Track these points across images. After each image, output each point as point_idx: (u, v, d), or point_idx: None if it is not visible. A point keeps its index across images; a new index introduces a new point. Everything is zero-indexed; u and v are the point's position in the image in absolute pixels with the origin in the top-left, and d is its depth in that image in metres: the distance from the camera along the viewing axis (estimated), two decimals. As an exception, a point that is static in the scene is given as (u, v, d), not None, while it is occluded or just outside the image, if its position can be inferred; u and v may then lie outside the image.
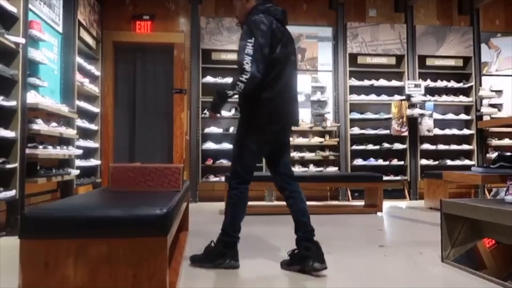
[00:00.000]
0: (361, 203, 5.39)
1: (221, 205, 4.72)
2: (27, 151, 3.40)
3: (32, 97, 3.54)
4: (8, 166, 3.14)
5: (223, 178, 5.25)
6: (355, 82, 6.13)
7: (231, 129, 5.89)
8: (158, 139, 5.95)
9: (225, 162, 5.78)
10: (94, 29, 5.38)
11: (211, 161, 5.80)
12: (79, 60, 4.77)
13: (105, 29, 5.78)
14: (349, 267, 2.42)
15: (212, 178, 5.76)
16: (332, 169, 5.94)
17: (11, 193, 3.17)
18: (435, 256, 2.54)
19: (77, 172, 4.52)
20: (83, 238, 1.38)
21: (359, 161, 6.02)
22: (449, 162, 6.09)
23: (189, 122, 5.83)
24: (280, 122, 2.35)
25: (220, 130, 5.90)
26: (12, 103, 3.17)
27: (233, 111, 5.95)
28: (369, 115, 6.12)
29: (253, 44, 2.13)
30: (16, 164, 3.22)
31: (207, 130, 5.86)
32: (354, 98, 6.09)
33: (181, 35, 5.98)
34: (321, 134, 6.04)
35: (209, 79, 5.88)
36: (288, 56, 2.34)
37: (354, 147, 6.03)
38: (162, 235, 1.42)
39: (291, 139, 5.75)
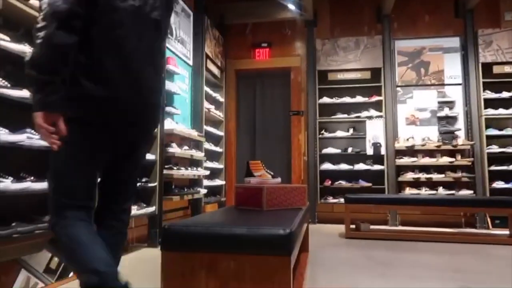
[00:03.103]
0: (504, 232, 4.68)
1: (341, 227, 4.61)
2: (164, 171, 3.83)
3: (168, 124, 4.00)
4: (150, 185, 3.59)
5: (342, 200, 5.12)
6: (490, 94, 5.46)
7: (350, 149, 5.76)
8: (277, 160, 6.12)
9: (344, 183, 5.64)
10: (219, 59, 5.88)
11: (330, 182, 5.72)
12: (206, 88, 5.24)
13: (228, 58, 6.27)
14: (493, 306, 2.10)
15: (331, 199, 5.67)
16: (465, 192, 5.32)
17: (152, 209, 3.59)
18: None
19: (205, 191, 4.91)
20: (214, 253, 1.48)
21: (499, 184, 5.27)
22: None
23: (307, 143, 5.87)
24: None
25: (338, 151, 5.81)
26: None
27: (351, 130, 5.82)
28: (510, 131, 5.35)
29: None
30: (156, 183, 3.65)
31: (324, 150, 5.83)
32: (491, 112, 5.41)
33: (298, 59, 6.14)
34: (451, 153, 5.49)
35: (325, 99, 5.88)
36: None
37: (493, 167, 5.31)
38: (286, 255, 1.44)
39: (402, 159, 5.40)
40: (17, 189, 2.12)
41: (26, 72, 1.37)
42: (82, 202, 1.46)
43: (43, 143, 2.32)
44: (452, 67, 5.68)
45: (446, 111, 5.59)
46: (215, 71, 5.74)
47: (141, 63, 1.50)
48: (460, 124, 5.58)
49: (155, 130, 1.72)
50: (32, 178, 2.27)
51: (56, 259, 2.50)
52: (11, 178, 2.12)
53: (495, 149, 5.35)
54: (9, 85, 2.18)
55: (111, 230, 1.55)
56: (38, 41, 1.32)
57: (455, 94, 5.64)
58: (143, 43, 1.51)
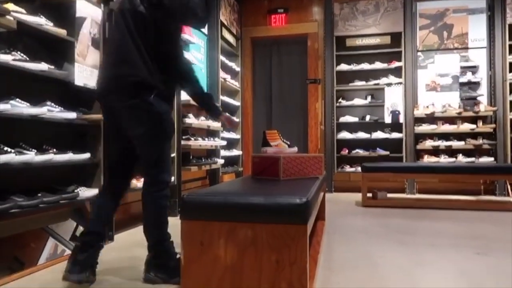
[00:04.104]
0: (525, 199, 4.63)
1: (358, 196, 4.63)
2: (182, 142, 3.87)
3: (185, 94, 4.00)
4: (168, 155, 3.63)
5: (359, 169, 5.12)
6: (517, 58, 5.24)
7: (368, 118, 5.68)
8: (293, 129, 6.10)
9: (361, 152, 5.62)
10: (234, 27, 5.77)
11: (347, 151, 5.69)
12: (222, 58, 5.18)
13: (244, 26, 6.15)
14: (510, 274, 2.10)
15: (348, 169, 5.66)
16: (486, 160, 5.23)
17: (171, 179, 3.66)
18: None
19: (222, 161, 4.96)
20: (232, 222, 1.51)
21: (522, 151, 5.16)
22: None
23: (324, 111, 5.81)
24: None
25: (355, 119, 5.74)
26: (170, 100, 3.64)
27: (369, 98, 5.72)
28: (537, 96, 5.17)
29: None
30: (174, 154, 3.70)
31: (342, 119, 5.77)
32: (516, 76, 5.22)
33: (315, 25, 5.98)
34: (473, 120, 5.36)
35: (343, 66, 5.76)
36: None
37: (516, 134, 5.18)
38: (302, 223, 1.46)
39: (421, 126, 5.29)
40: (41, 161, 2.19)
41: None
42: None
43: (64, 115, 2.37)
44: (476, 29, 5.44)
45: (468, 76, 5.41)
46: (231, 39, 5.66)
47: None
48: (483, 89, 5.40)
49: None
50: (54, 150, 2.33)
51: (81, 227, 2.60)
52: (34, 151, 2.19)
53: (519, 115, 5.20)
54: (28, 59, 2.21)
55: None
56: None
57: (479, 58, 5.43)
58: None
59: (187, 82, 2.16)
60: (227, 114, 2.35)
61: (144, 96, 1.87)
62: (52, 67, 2.38)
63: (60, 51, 2.53)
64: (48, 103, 2.31)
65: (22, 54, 2.20)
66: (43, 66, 2.24)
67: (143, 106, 1.88)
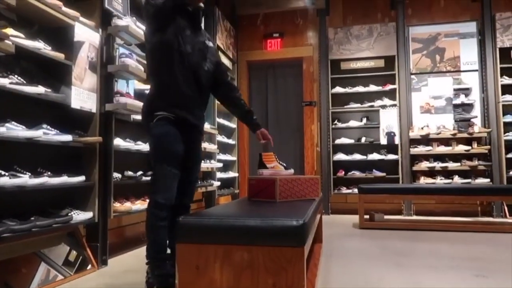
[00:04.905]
0: (522, 220, 4.62)
1: (355, 218, 4.60)
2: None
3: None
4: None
5: (355, 190, 5.10)
6: (508, 80, 5.33)
7: (363, 139, 5.71)
8: (290, 151, 6.12)
9: (357, 174, 5.62)
10: (230, 51, 5.86)
11: (343, 172, 5.69)
12: (218, 81, 5.22)
13: (240, 50, 6.25)
14: (511, 295, 2.08)
15: (344, 190, 5.64)
16: (482, 181, 5.23)
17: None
18: None
19: (218, 183, 4.94)
20: (228, 244, 1.49)
21: (517, 172, 5.18)
22: None
23: (320, 133, 5.84)
24: None
25: (351, 141, 5.77)
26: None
27: (364, 120, 5.77)
28: (529, 118, 5.24)
29: None
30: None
31: (337, 141, 5.79)
32: (508, 98, 5.29)
33: (310, 49, 6.08)
34: (467, 141, 5.39)
35: (338, 89, 5.83)
36: None
37: (511, 155, 5.21)
38: (299, 246, 1.44)
39: (417, 148, 5.34)
40: (35, 184, 2.17)
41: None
42: None
43: (60, 138, 2.36)
44: (468, 53, 5.55)
45: (462, 99, 5.49)
46: (227, 63, 5.73)
47: None
48: (477, 111, 5.47)
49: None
50: (48, 173, 2.31)
51: (74, 252, 2.56)
52: (29, 174, 2.17)
53: (513, 136, 5.25)
54: (24, 82, 2.22)
55: None
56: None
57: (471, 80, 5.52)
58: None
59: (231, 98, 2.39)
60: (263, 129, 2.48)
61: (146, 120, 2.09)
62: (49, 90, 2.39)
63: (57, 75, 2.55)
64: (44, 126, 2.31)
65: (19, 78, 2.21)
66: (39, 90, 2.25)
67: (147, 130, 2.09)
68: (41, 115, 2.46)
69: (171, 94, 2.04)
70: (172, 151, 2.01)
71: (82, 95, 2.58)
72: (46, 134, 2.28)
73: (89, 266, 2.63)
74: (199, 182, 4.38)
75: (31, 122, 2.27)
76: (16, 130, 2.10)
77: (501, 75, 5.32)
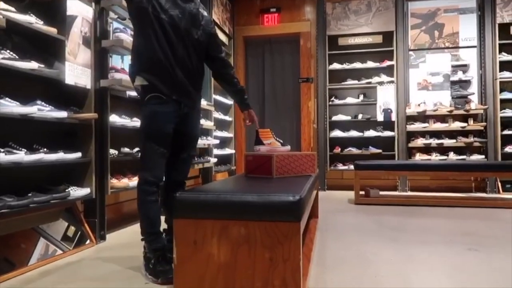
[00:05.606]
0: (515, 196, 4.69)
1: (351, 193, 4.65)
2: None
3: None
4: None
5: (351, 167, 5.14)
6: (507, 57, 5.29)
7: (360, 116, 5.71)
8: (286, 128, 6.11)
9: (353, 150, 5.64)
10: (227, 26, 5.76)
11: (339, 149, 5.71)
12: (214, 57, 5.15)
13: (236, 25, 6.14)
14: (501, 269, 2.13)
15: (341, 167, 5.68)
16: (477, 157, 5.28)
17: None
18: None
19: (215, 160, 4.95)
20: (225, 220, 1.51)
21: (512, 148, 5.22)
22: None
23: (316, 110, 5.83)
24: None
25: (348, 118, 5.77)
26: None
27: (361, 97, 5.74)
28: (526, 94, 5.24)
29: None
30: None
31: (334, 118, 5.79)
32: (506, 75, 5.27)
33: (307, 24, 5.99)
34: (464, 118, 5.41)
35: (335, 66, 5.78)
36: None
37: (506, 131, 5.24)
38: (295, 221, 1.46)
39: (413, 125, 5.36)
40: (31, 161, 2.17)
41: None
42: None
43: (55, 115, 2.34)
44: (467, 28, 5.49)
45: (459, 75, 5.46)
46: (223, 38, 5.64)
47: None
48: (474, 88, 5.46)
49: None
50: (45, 149, 2.31)
51: (72, 227, 2.58)
52: (24, 150, 2.16)
53: (509, 113, 5.26)
54: (17, 57, 2.18)
55: None
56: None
57: (470, 57, 5.48)
58: None
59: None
60: (252, 110, 2.46)
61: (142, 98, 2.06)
62: (42, 65, 2.35)
63: (50, 50, 2.51)
64: (39, 102, 2.29)
65: (11, 53, 2.17)
66: (33, 65, 2.22)
67: (141, 105, 2.08)
68: (35, 91, 2.43)
69: (144, 60, 2.01)
70: (160, 131, 2.00)
71: (76, 71, 2.54)
72: (41, 110, 2.26)
73: (88, 241, 2.66)
74: (196, 159, 4.39)
75: (25, 98, 2.24)
76: (10, 107, 2.07)
77: (500, 52, 5.28)
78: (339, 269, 2.12)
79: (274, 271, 1.45)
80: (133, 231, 3.08)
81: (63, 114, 2.40)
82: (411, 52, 5.61)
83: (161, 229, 2.08)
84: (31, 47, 2.41)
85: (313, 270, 2.09)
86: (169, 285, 1.84)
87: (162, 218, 2.10)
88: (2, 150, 2.01)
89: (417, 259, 2.30)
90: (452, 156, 5.32)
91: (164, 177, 2.11)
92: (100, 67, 2.80)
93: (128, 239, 2.87)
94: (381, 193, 4.77)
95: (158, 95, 2.00)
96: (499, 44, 5.26)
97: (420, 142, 5.42)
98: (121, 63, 3.05)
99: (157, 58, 1.99)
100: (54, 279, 2.02)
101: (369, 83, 5.68)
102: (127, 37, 2.90)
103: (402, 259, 2.31)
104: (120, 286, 1.90)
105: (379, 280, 1.94)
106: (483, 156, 5.28)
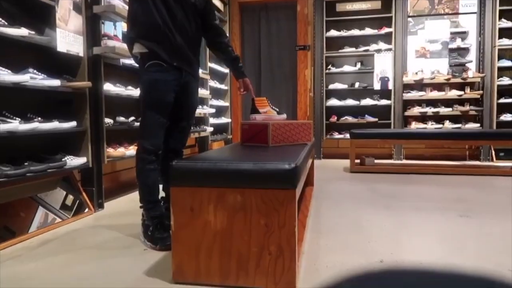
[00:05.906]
0: (508, 164, 4.75)
1: (346, 162, 4.69)
2: (170, 110, 3.82)
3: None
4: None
5: (347, 135, 5.15)
6: (507, 23, 5.21)
7: (357, 84, 5.67)
8: (282, 96, 6.07)
9: (349, 119, 5.64)
10: (221, -9, 5.60)
11: (335, 117, 5.71)
12: (209, 23, 5.04)
13: (231, -9, 5.97)
14: (492, 234, 2.18)
15: (337, 135, 5.70)
16: (472, 126, 5.30)
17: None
18: None
19: (211, 129, 4.94)
20: (221, 187, 1.52)
21: (507, 116, 5.23)
22: None
23: (313, 78, 5.77)
24: None
25: (344, 86, 5.73)
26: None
27: (358, 65, 5.68)
28: (524, 62, 5.20)
29: None
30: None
31: (331, 86, 5.75)
32: (505, 42, 5.21)
33: (304, -11, 5.82)
34: (461, 86, 5.39)
35: (333, 33, 5.68)
36: None
37: (502, 100, 5.24)
38: (291, 188, 1.48)
39: (410, 93, 5.34)
40: (26, 130, 2.15)
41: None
42: None
43: (48, 83, 2.31)
44: (467, -6, 5.37)
45: (458, 42, 5.40)
46: (218, 4, 5.50)
47: None
48: (472, 56, 5.40)
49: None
50: (39, 118, 2.29)
51: (71, 196, 2.61)
52: (18, 119, 2.14)
53: (505, 81, 5.24)
54: (6, 24, 2.12)
55: None
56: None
57: (469, 23, 5.39)
58: None
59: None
60: (247, 78, 2.39)
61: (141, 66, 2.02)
62: (33, 32, 2.29)
63: (40, 16, 2.44)
64: (31, 70, 2.25)
65: (0, 19, 2.11)
66: (23, 31, 2.16)
67: (140, 73, 2.03)
68: (27, 60, 2.38)
69: (142, 26, 1.96)
70: (160, 100, 1.98)
71: (68, 38, 2.48)
72: (33, 78, 2.23)
73: (86, 210, 2.70)
74: (192, 128, 4.38)
75: (17, 66, 2.20)
76: (1, 75, 2.04)
77: (500, 18, 5.19)
78: (333, 235, 2.17)
79: (270, 237, 1.48)
80: (131, 199, 3.12)
81: (56, 82, 2.36)
82: (410, 19, 5.50)
83: (160, 197, 2.10)
84: (20, 13, 2.34)
85: (308, 236, 2.14)
86: (167, 251, 1.89)
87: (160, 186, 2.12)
88: (-4, 119, 1.99)
89: (410, 225, 2.36)
90: (448, 125, 5.34)
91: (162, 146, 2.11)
92: (92, 34, 2.74)
93: (126, 207, 2.90)
94: (376, 161, 4.82)
95: (159, 62, 1.96)
96: (500, 10, 5.16)
97: (416, 110, 5.42)
98: (114, 30, 2.97)
99: (156, 23, 1.93)
100: (54, 246, 2.06)
101: (367, 50, 5.60)
102: (119, 3, 2.82)
103: (395, 225, 2.36)
104: (119, 253, 1.94)
105: (372, 245, 2.00)
106: (478, 125, 5.31)
